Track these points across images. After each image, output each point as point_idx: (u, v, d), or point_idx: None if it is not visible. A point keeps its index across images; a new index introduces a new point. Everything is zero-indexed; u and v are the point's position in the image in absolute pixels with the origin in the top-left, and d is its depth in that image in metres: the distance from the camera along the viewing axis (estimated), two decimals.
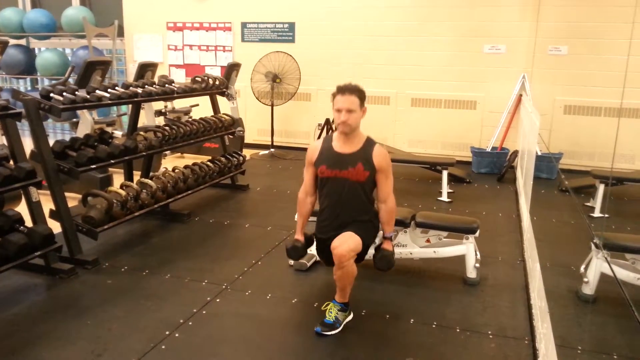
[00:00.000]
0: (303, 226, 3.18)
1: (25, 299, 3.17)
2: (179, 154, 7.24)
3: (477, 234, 3.46)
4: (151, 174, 4.72)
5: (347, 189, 2.95)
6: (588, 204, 5.12)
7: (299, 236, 3.14)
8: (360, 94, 2.89)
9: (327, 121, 6.85)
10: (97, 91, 4.05)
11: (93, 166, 3.81)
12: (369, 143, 2.98)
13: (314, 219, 3.18)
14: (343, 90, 2.86)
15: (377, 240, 3.17)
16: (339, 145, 2.98)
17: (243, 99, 7.80)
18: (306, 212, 3.17)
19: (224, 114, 5.57)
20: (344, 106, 2.84)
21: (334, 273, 2.87)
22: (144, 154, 4.34)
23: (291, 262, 3.64)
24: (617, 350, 2.70)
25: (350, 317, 2.95)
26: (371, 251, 3.11)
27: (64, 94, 3.78)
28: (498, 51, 6.68)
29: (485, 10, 6.62)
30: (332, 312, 2.86)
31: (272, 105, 7.36)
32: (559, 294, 3.33)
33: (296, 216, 3.27)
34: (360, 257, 2.96)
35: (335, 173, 2.96)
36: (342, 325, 2.86)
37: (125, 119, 7.05)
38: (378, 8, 6.93)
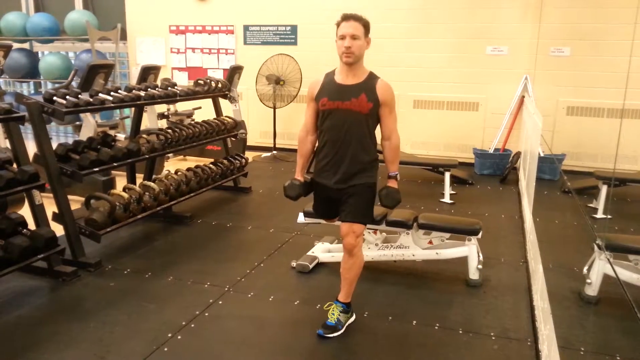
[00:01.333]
0: (304, 167, 3.05)
1: (28, 302, 3.18)
2: (181, 157, 7.26)
3: (479, 236, 3.46)
4: (154, 176, 4.73)
5: (349, 122, 2.80)
6: (591, 205, 5.11)
7: (299, 176, 3.02)
8: (365, 22, 2.81)
9: None
10: (100, 94, 4.06)
11: (96, 169, 3.82)
12: (373, 76, 2.87)
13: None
14: (347, 17, 2.78)
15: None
16: (342, 77, 2.84)
17: (245, 101, 7.81)
18: (307, 152, 3.02)
19: (226, 116, 5.58)
20: (348, 32, 2.73)
21: (342, 265, 2.87)
22: (147, 156, 4.35)
23: (293, 264, 3.65)
24: (620, 351, 2.69)
25: (353, 318, 2.94)
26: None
27: (67, 97, 3.80)
28: (500, 53, 6.67)
29: (487, 12, 6.62)
30: (334, 313, 2.86)
31: (275, 108, 7.37)
32: (562, 296, 3.32)
33: (300, 217, 3.26)
34: (371, 219, 3.00)
35: (337, 105, 2.80)
36: (345, 327, 2.86)
37: (128, 122, 7.07)
38: (379, 10, 6.96)
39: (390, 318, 3.02)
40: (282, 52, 7.32)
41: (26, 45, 9.24)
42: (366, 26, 2.82)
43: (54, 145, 3.75)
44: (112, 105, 4.13)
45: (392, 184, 2.92)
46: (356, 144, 2.82)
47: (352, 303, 2.93)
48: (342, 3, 7.11)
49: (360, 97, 2.78)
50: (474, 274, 3.45)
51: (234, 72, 7.05)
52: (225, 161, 5.37)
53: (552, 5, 6.34)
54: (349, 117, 2.79)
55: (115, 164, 4.01)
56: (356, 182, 2.84)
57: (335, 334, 2.81)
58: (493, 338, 2.81)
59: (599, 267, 3.12)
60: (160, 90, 4.66)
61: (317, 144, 2.99)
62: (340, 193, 2.86)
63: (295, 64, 7.22)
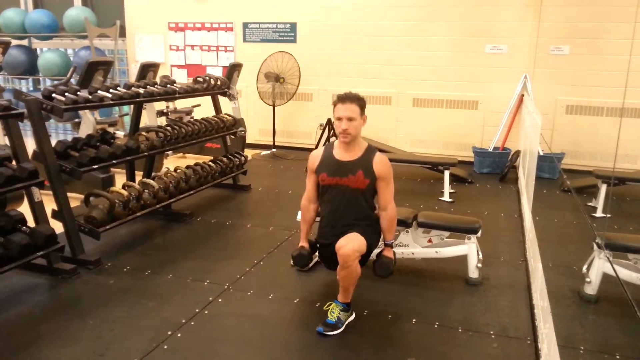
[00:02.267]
0: (307, 233, 3.19)
1: (28, 299, 3.17)
2: (180, 154, 7.25)
3: (479, 234, 3.46)
4: (153, 174, 4.72)
5: (347, 196, 2.98)
6: (590, 204, 5.11)
7: (304, 243, 3.16)
8: (360, 102, 2.92)
9: (329, 121, 6.83)
10: (99, 91, 4.05)
11: (95, 166, 3.82)
12: (370, 151, 3.01)
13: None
14: (343, 99, 2.90)
15: (378, 248, 3.16)
16: (340, 153, 3.01)
17: (245, 99, 7.80)
18: (310, 219, 3.19)
19: (225, 114, 5.57)
20: (344, 114, 2.87)
21: (337, 273, 2.88)
22: (146, 154, 4.34)
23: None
24: (619, 350, 2.70)
25: (353, 317, 2.95)
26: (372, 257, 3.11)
27: (66, 94, 3.79)
28: (500, 51, 6.67)
29: (486, 10, 6.62)
30: (334, 312, 2.86)
31: (274, 105, 7.36)
32: (561, 294, 3.33)
33: (299, 215, 3.27)
34: (364, 259, 2.96)
35: (335, 180, 2.98)
36: (344, 325, 2.86)
37: (127, 119, 7.05)
38: (379, 8, 6.93)
39: (389, 316, 3.02)
40: (282, 49, 7.31)
41: (25, 42, 9.21)
42: (362, 106, 2.94)
43: (53, 142, 3.74)
44: (111, 102, 4.12)
45: (388, 252, 3.04)
46: (355, 216, 3.01)
47: (351, 302, 2.93)
48: (342, 1, 7.12)
49: (358, 174, 2.95)
50: (473, 273, 3.45)
51: (233, 70, 7.03)
52: (224, 159, 5.37)
53: (552, 4, 6.33)
54: (347, 192, 2.98)
55: (114, 162, 4.00)
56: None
57: (335, 332, 2.81)
58: (492, 337, 2.82)
59: (599, 266, 3.12)
60: (159, 87, 4.65)
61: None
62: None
63: (294, 62, 7.20)
